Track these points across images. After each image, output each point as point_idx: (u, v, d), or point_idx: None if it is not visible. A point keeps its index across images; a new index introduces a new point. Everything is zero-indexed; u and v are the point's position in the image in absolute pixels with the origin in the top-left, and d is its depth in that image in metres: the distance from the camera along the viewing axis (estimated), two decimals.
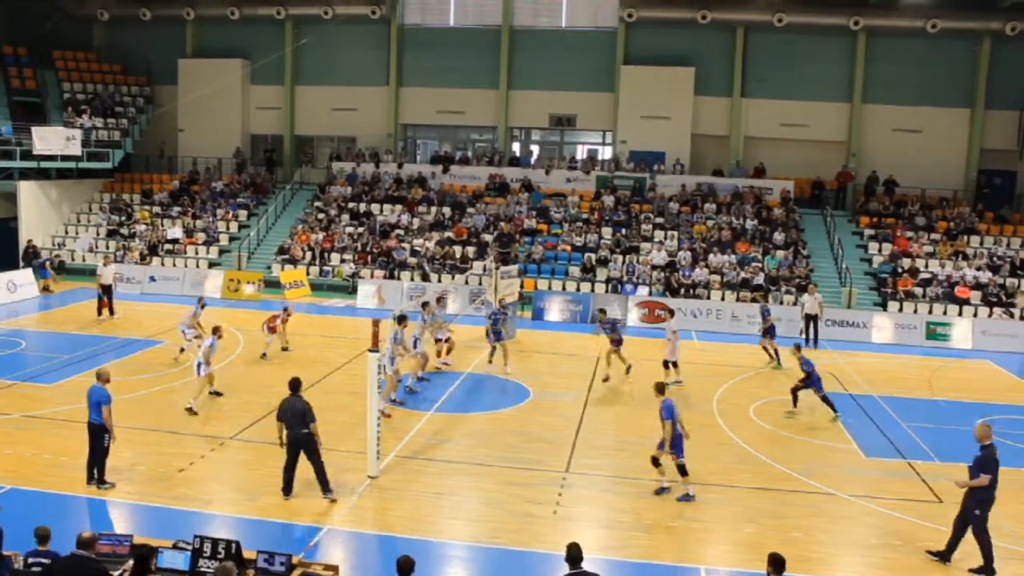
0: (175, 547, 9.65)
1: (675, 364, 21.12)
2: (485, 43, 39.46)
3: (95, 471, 13.61)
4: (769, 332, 24.32)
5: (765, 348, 24.30)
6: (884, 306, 30.13)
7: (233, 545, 9.39)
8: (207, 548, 9.38)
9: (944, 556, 12.11)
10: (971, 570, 11.83)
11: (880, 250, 33.26)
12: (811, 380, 18.95)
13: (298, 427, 13.23)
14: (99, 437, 13.50)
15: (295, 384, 13.69)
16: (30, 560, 9.21)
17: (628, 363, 21.71)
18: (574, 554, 8.95)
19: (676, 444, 14.09)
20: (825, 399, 18.89)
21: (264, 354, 22.38)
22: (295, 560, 9.63)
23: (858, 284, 31.21)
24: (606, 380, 21.23)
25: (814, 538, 12.79)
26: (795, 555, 11.82)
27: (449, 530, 12.78)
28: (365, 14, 38.50)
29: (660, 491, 14.24)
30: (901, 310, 29.65)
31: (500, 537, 12.52)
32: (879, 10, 35.51)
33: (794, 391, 19.29)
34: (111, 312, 27.22)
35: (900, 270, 31.43)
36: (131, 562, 9.30)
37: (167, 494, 13.49)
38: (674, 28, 37.44)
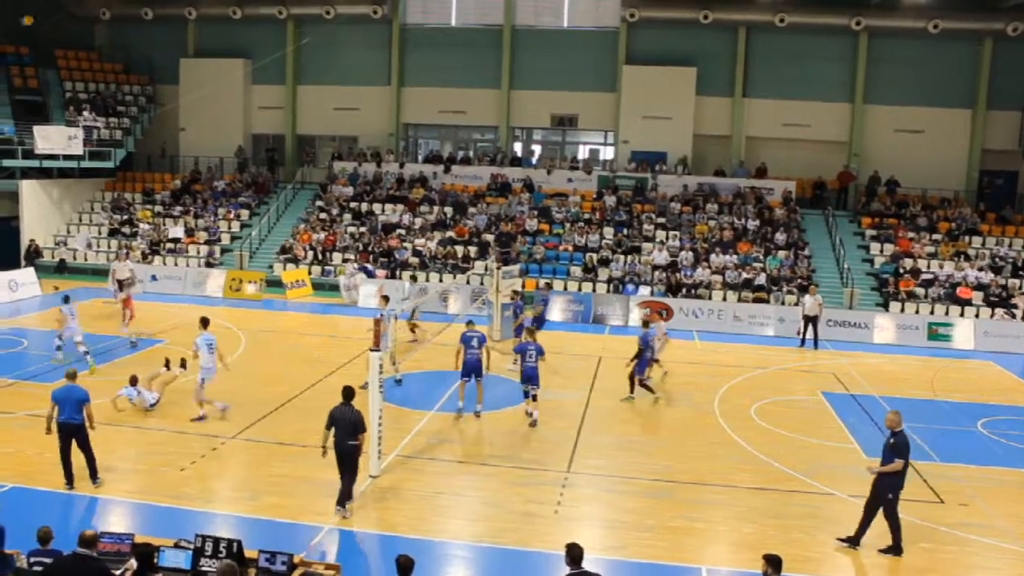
0: (177, 546, 9.66)
1: (657, 361, 21.13)
2: (487, 43, 39.45)
3: (90, 468, 13.64)
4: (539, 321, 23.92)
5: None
6: (886, 306, 30.12)
7: (235, 544, 9.40)
8: (208, 547, 9.38)
9: (853, 541, 12.43)
10: (880, 550, 12.22)
11: (882, 250, 33.25)
12: (640, 359, 19.48)
13: (348, 437, 12.78)
14: (82, 436, 13.46)
15: (348, 393, 13.14)
16: (32, 560, 9.22)
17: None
18: (575, 554, 8.94)
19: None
20: (643, 384, 19.68)
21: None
22: (296, 559, 9.63)
23: (860, 284, 31.21)
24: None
25: (815, 538, 12.78)
26: (796, 555, 11.86)
27: (450, 529, 12.79)
28: (367, 13, 38.50)
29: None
30: (903, 311, 29.64)
31: (501, 537, 12.52)
32: (881, 10, 35.47)
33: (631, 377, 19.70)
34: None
35: (902, 270, 31.42)
36: (133, 561, 9.32)
37: (169, 493, 13.50)
38: (676, 28, 37.42)
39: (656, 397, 19.76)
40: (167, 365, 18.27)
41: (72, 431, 13.39)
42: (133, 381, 17.59)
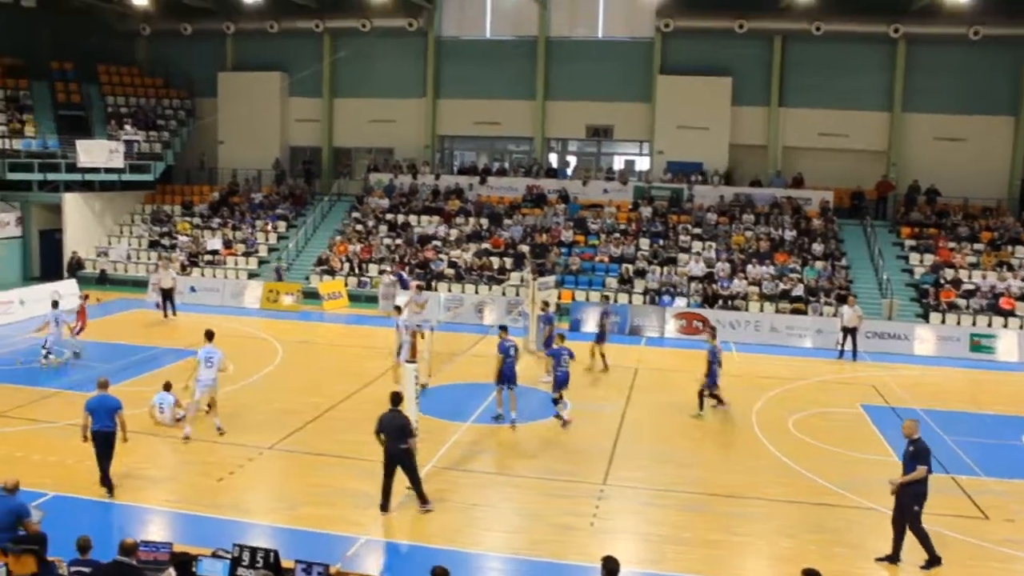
0: (214, 555, 9.74)
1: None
2: (521, 54, 39.55)
3: (119, 476, 13.91)
4: (601, 337, 23.94)
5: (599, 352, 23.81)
6: (926, 318, 29.68)
7: (271, 554, 9.46)
8: (246, 557, 9.46)
9: (892, 559, 12.20)
10: (921, 567, 12.00)
11: (922, 261, 32.79)
12: (710, 373, 19.31)
13: (397, 442, 13.21)
14: (111, 443, 13.72)
15: (396, 398, 13.61)
16: (72, 569, 9.34)
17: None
18: (611, 567, 8.88)
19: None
20: (714, 395, 19.49)
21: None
22: (333, 570, 9.66)
23: (899, 295, 30.77)
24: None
25: (855, 553, 12.59)
26: (836, 571, 11.68)
27: (486, 541, 12.76)
28: (402, 26, 38.78)
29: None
30: (944, 322, 29.18)
31: (537, 549, 12.47)
32: (920, 17, 34.97)
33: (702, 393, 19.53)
34: (170, 314, 28.69)
35: (942, 281, 30.95)
36: (171, 570, 9.42)
37: (206, 502, 13.62)
38: (711, 38, 37.26)
39: (725, 409, 19.57)
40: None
41: (104, 439, 13.66)
42: (167, 387, 17.77)
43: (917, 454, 12.02)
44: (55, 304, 22.96)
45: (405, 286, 30.53)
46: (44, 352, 21.99)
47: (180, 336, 25.75)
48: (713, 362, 19.35)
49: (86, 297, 26.03)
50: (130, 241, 37.81)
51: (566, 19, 39.39)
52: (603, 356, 23.58)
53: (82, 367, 21.85)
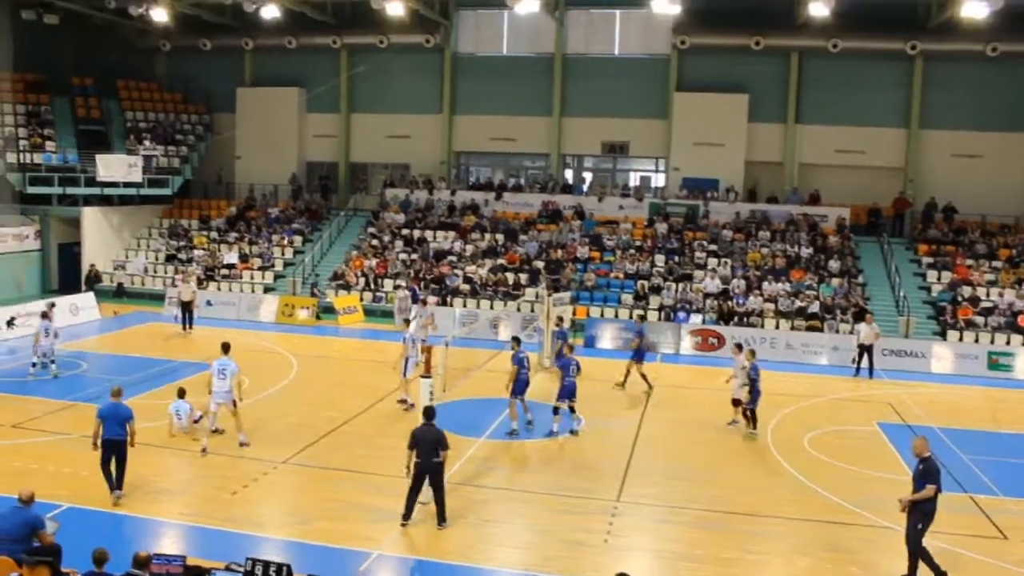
0: (227, 569, 9.76)
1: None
2: (538, 71, 39.68)
3: (117, 480, 14.02)
4: (640, 356, 23.36)
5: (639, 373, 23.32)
6: (943, 335, 29.47)
7: (284, 568, 9.45)
8: (259, 570, 9.45)
9: None
10: None
11: (939, 278, 32.58)
12: (753, 391, 18.98)
13: (431, 455, 13.28)
14: (122, 451, 13.95)
15: (430, 412, 13.72)
16: None
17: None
18: None
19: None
20: (748, 412, 19.14)
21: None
22: None
23: (916, 313, 30.56)
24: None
25: (871, 572, 12.49)
26: None
27: (499, 557, 12.73)
28: (419, 43, 38.99)
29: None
30: (961, 339, 28.98)
31: (550, 565, 12.41)
32: (937, 34, 34.84)
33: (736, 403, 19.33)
34: (189, 327, 28.84)
35: (960, 299, 30.75)
36: None
37: (220, 516, 13.64)
38: (727, 55, 37.28)
39: (754, 434, 19.25)
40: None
41: (114, 447, 13.89)
42: (181, 394, 17.89)
43: (927, 472, 11.95)
44: (44, 315, 23.24)
45: (416, 300, 30.63)
46: (42, 362, 22.45)
47: (196, 349, 25.85)
48: (756, 380, 19.01)
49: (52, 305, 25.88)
50: (147, 255, 38.06)
51: (583, 36, 39.50)
52: (644, 376, 23.01)
53: (98, 380, 21.95)
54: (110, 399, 14.29)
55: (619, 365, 23.75)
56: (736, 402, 19.57)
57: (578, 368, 18.86)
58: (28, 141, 36.19)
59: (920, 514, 11.92)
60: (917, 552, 11.97)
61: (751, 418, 19.20)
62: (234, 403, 16.96)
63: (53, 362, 22.61)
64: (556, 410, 18.65)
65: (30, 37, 36.58)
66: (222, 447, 16.92)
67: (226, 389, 16.78)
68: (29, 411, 19.12)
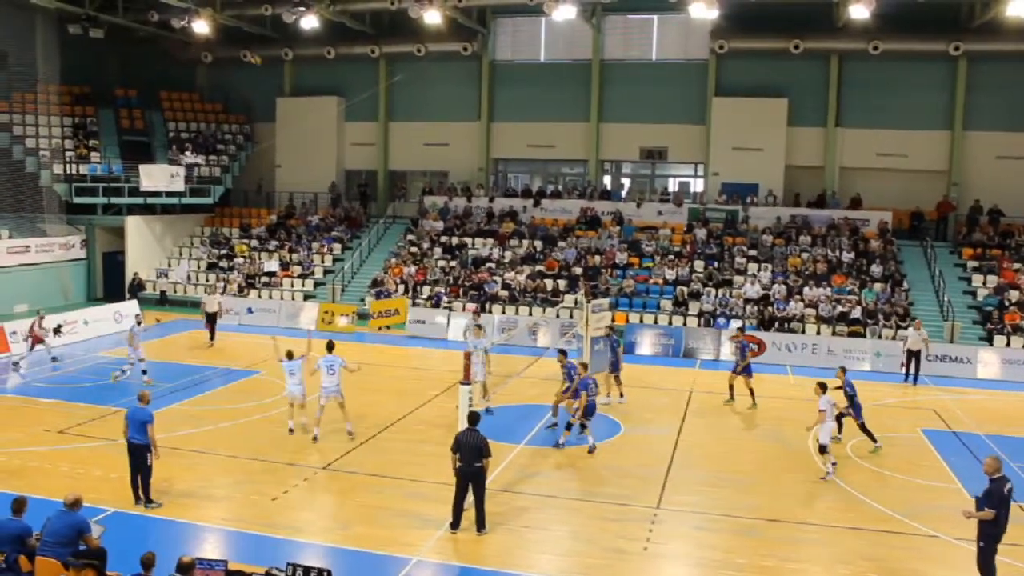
0: (268, 574, 9.82)
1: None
2: (575, 77, 39.66)
3: (141, 491, 14.18)
4: (747, 370, 22.59)
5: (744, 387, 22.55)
6: (990, 341, 28.96)
7: (325, 574, 9.50)
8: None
9: None
10: None
11: (984, 283, 32.03)
12: (853, 405, 18.47)
13: (473, 461, 13.34)
14: (143, 456, 14.10)
15: (474, 418, 13.86)
16: None
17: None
18: None
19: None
20: (863, 428, 18.53)
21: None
22: None
23: (961, 318, 30.06)
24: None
25: None
26: None
27: (539, 564, 12.69)
28: (457, 51, 39.17)
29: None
30: (1008, 345, 28.44)
31: (589, 573, 12.37)
32: (980, 34, 34.24)
33: (838, 417, 18.39)
34: (211, 339, 28.74)
35: (1007, 303, 30.20)
36: None
37: (262, 521, 13.75)
38: (766, 59, 37.00)
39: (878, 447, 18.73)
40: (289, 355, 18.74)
41: (134, 451, 14.11)
42: (290, 355, 18.57)
43: (987, 494, 11.57)
44: (139, 322, 24.07)
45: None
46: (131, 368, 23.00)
47: (239, 356, 26.09)
48: (854, 396, 18.53)
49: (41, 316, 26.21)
50: (189, 263, 38.56)
51: (620, 42, 39.42)
52: (751, 392, 22.23)
53: (140, 387, 22.25)
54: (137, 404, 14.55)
55: (659, 371, 23.57)
56: (823, 449, 17.12)
57: (596, 386, 18.61)
58: (74, 152, 36.91)
59: (983, 534, 11.61)
60: (981, 570, 11.68)
61: (867, 432, 18.59)
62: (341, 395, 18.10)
63: (144, 372, 22.88)
64: (570, 426, 18.17)
65: (76, 51, 37.34)
66: (265, 453, 17.07)
67: (336, 383, 17.91)
68: (75, 417, 19.44)
